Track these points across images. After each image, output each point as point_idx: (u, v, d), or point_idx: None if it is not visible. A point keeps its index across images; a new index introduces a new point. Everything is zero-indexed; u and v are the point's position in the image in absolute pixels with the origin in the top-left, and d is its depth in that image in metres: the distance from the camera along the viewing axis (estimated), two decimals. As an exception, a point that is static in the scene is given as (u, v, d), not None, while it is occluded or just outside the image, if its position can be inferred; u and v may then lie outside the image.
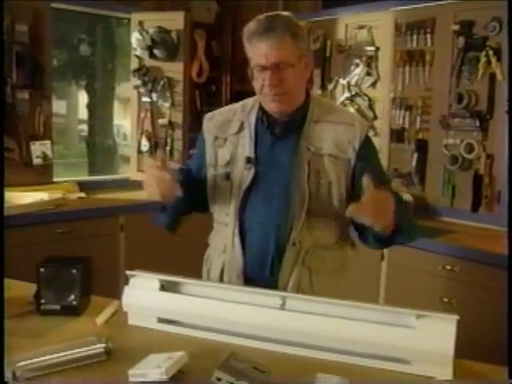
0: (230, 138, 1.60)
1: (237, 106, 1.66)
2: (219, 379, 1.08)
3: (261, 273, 1.53)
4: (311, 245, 1.51)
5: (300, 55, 1.47)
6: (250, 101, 1.64)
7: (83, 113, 4.98)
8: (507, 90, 2.68)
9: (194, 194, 1.62)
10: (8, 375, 1.13)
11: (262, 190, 1.53)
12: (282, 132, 1.54)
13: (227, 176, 1.57)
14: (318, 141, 1.52)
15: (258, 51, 1.45)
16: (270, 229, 1.51)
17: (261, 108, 1.57)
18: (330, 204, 1.51)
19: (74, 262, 1.54)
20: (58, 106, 4.28)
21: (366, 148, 1.54)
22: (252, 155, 1.54)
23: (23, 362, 1.15)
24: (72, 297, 1.49)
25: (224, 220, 1.59)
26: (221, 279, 1.60)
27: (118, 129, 4.95)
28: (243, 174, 1.54)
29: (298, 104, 1.54)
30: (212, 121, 1.66)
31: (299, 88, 1.53)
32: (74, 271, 1.50)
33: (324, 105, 1.61)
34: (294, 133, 1.53)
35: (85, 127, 5.05)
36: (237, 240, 1.54)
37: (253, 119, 1.58)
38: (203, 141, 1.67)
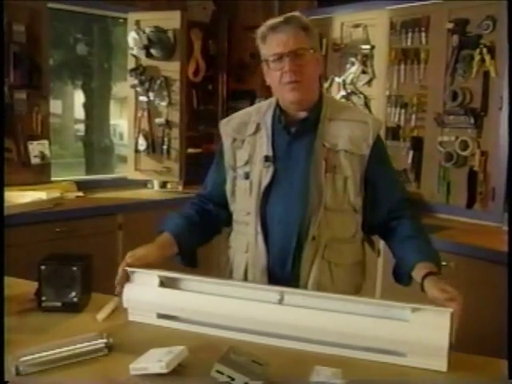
0: (247, 139, 1.63)
1: (251, 109, 1.71)
2: (219, 372, 1.10)
3: (282, 268, 1.55)
4: (329, 239, 1.54)
5: (313, 49, 1.54)
6: (264, 103, 1.69)
7: (79, 112, 4.98)
8: (507, 89, 2.70)
9: (205, 223, 1.68)
10: (12, 370, 1.15)
11: (282, 188, 1.56)
12: (298, 131, 1.58)
13: (246, 175, 1.60)
14: (333, 138, 1.55)
15: (276, 41, 1.50)
16: (290, 225, 1.54)
17: (277, 108, 1.61)
18: (346, 199, 1.55)
19: (75, 259, 1.57)
20: (54, 105, 4.28)
21: (379, 145, 1.60)
22: (270, 154, 1.57)
23: (26, 357, 1.17)
24: (73, 294, 1.51)
25: (245, 219, 1.61)
26: (245, 278, 1.61)
27: (114, 128, 4.96)
28: (262, 173, 1.57)
29: (314, 99, 1.58)
30: (229, 124, 1.69)
31: (314, 79, 1.58)
32: (75, 268, 1.52)
33: (336, 104, 1.67)
34: (310, 131, 1.57)
35: (81, 127, 5.06)
36: (260, 238, 1.56)
37: (268, 120, 1.62)
38: (221, 147, 1.69)
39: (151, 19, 3.75)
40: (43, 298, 1.51)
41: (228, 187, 1.66)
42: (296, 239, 1.53)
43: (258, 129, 1.62)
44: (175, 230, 1.63)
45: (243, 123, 1.65)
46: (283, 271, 1.55)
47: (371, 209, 1.60)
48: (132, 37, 3.71)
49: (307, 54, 1.51)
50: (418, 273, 1.44)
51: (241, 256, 1.64)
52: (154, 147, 3.86)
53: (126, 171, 4.03)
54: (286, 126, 1.58)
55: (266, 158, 1.56)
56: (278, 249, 1.56)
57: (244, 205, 1.61)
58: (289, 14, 1.54)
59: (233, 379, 1.09)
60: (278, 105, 1.61)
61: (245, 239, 1.61)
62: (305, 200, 1.53)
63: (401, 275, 1.54)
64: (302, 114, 1.58)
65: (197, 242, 1.69)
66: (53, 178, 3.62)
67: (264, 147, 1.58)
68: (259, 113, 1.65)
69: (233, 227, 1.70)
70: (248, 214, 1.59)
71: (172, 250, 1.60)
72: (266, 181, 1.56)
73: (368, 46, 3.43)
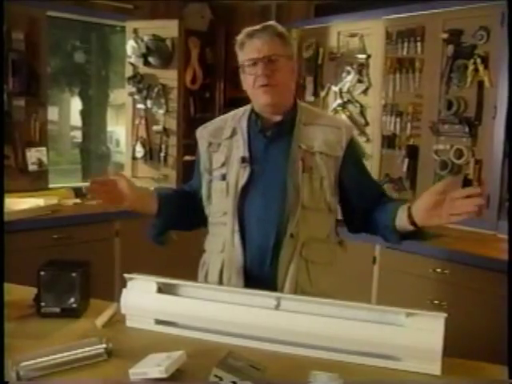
0: (223, 142, 1.67)
1: (227, 115, 1.75)
2: (218, 377, 1.12)
3: (260, 267, 1.58)
4: (306, 237, 1.58)
5: (288, 57, 1.59)
6: (240, 110, 1.73)
7: (75, 119, 5.00)
8: (507, 97, 2.74)
9: (187, 207, 1.72)
10: (12, 375, 1.16)
11: (259, 187, 1.59)
12: (274, 134, 1.62)
13: (223, 177, 1.64)
14: (309, 140, 1.61)
15: (251, 48, 1.57)
16: (269, 223, 1.57)
17: (253, 113, 1.66)
18: (322, 198, 1.60)
19: (74, 265, 1.57)
20: (51, 112, 4.30)
21: (353, 148, 1.67)
22: (246, 155, 1.61)
23: (27, 362, 1.18)
24: (72, 299, 1.52)
25: (221, 220, 1.64)
26: (220, 279, 1.63)
27: (110, 135, 4.98)
28: (239, 173, 1.60)
29: (287, 104, 1.64)
30: (205, 129, 1.74)
31: (287, 85, 1.63)
32: (74, 274, 1.53)
33: (311, 110, 1.72)
34: (286, 135, 1.62)
35: (77, 134, 5.07)
36: (237, 237, 1.59)
37: (244, 124, 1.66)
38: (198, 152, 1.75)
39: (149, 28, 3.78)
40: (42, 304, 1.52)
41: (203, 191, 1.70)
42: (274, 237, 1.57)
43: (233, 133, 1.66)
44: (162, 192, 1.69)
45: (219, 128, 1.70)
46: (261, 270, 1.58)
47: (355, 205, 1.66)
48: (130, 45, 3.74)
49: (281, 60, 1.56)
50: (401, 217, 1.51)
51: (216, 256, 1.66)
52: (151, 154, 3.88)
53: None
54: (262, 130, 1.63)
55: (243, 159, 1.60)
56: (255, 247, 1.59)
57: (220, 206, 1.64)
58: (266, 23, 1.60)
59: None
60: (253, 110, 1.67)
61: (221, 240, 1.64)
62: (282, 199, 1.57)
63: (386, 231, 1.58)
64: (277, 118, 1.63)
65: (176, 216, 1.70)
66: (50, 185, 3.63)
67: (240, 149, 1.62)
68: (235, 118, 1.70)
69: (208, 230, 1.73)
70: (225, 214, 1.62)
71: (151, 206, 1.63)
72: (242, 180, 1.59)
73: (364, 55, 3.46)
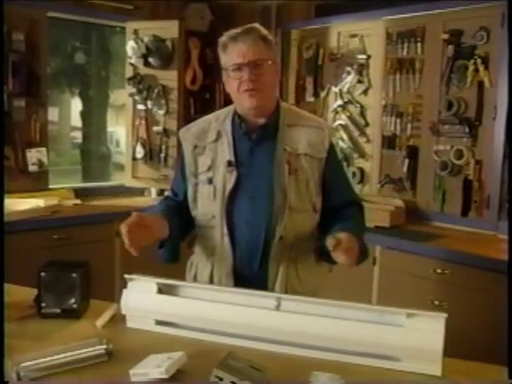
0: (208, 145, 1.66)
1: (210, 117, 1.74)
2: (218, 378, 1.12)
3: (250, 268, 1.60)
4: (294, 238, 1.60)
5: (272, 60, 1.60)
6: (222, 111, 1.73)
7: (75, 120, 5.00)
8: (507, 97, 2.74)
9: (185, 218, 1.70)
10: (13, 375, 1.16)
11: (246, 191, 1.60)
12: (259, 137, 1.63)
13: (210, 181, 1.63)
14: (294, 142, 1.62)
15: (236, 52, 1.56)
16: (257, 226, 1.58)
17: (236, 116, 1.65)
18: (308, 199, 1.62)
19: (74, 266, 1.58)
20: (51, 113, 4.30)
21: (333, 149, 1.70)
22: (232, 159, 1.61)
23: (27, 363, 1.19)
24: (72, 300, 1.53)
25: (210, 223, 1.64)
26: (210, 281, 1.64)
27: (110, 136, 4.98)
28: (226, 177, 1.60)
29: (271, 106, 1.64)
30: (189, 131, 1.72)
31: (272, 88, 1.64)
32: (74, 275, 1.53)
33: (293, 111, 1.73)
34: (270, 137, 1.62)
35: (77, 134, 5.07)
36: (226, 239, 1.60)
37: (228, 127, 1.66)
38: (182, 155, 1.73)
39: (149, 28, 3.78)
40: (43, 305, 1.52)
41: (189, 194, 1.69)
42: (263, 239, 1.58)
43: (218, 136, 1.65)
44: (164, 212, 1.63)
45: (203, 130, 1.69)
46: (250, 271, 1.60)
47: (323, 206, 1.67)
48: (130, 45, 3.74)
49: (265, 64, 1.56)
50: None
51: (206, 259, 1.67)
52: (151, 155, 3.88)
53: (123, 179, 4.04)
54: (247, 133, 1.63)
55: (229, 163, 1.60)
56: (245, 250, 1.60)
57: (208, 209, 1.64)
58: (248, 26, 1.59)
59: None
60: (236, 112, 1.66)
61: (210, 243, 1.64)
62: (270, 201, 1.58)
63: (319, 250, 1.62)
64: (261, 121, 1.63)
65: (180, 232, 1.67)
66: (50, 186, 3.63)
67: (226, 152, 1.62)
68: (218, 120, 1.69)
69: (196, 233, 1.73)
70: (213, 218, 1.62)
71: (166, 229, 1.56)
72: (230, 185, 1.59)
73: (364, 56, 3.46)
